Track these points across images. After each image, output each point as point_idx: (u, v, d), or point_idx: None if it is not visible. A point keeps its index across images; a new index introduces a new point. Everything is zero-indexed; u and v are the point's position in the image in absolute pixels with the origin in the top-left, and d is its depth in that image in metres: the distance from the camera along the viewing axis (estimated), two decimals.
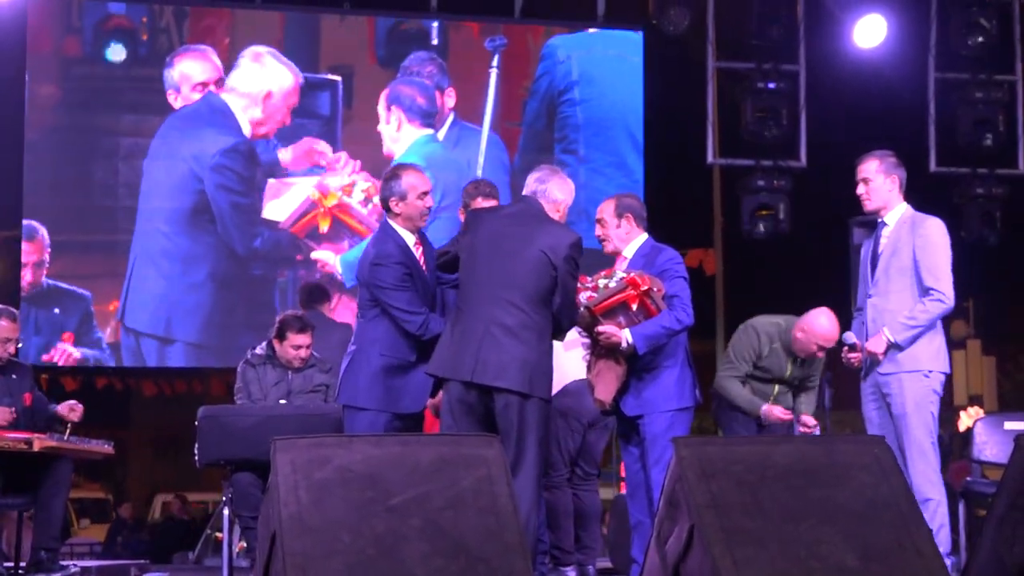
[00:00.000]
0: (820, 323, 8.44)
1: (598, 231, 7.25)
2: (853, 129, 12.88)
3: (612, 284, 6.80)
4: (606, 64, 13.65)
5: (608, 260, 7.25)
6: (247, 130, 12.75)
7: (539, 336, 6.57)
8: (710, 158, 13.59)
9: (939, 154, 13.38)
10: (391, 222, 7.06)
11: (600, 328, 6.82)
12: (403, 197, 7.02)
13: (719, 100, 13.46)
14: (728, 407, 8.50)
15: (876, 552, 5.15)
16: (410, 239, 7.03)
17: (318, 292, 10.60)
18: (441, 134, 13.19)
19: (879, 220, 7.41)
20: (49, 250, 12.49)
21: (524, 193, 6.93)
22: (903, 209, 7.37)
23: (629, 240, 7.18)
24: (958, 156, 13.43)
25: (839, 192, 12.48)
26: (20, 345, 8.58)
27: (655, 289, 6.81)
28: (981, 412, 17.52)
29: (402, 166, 7.27)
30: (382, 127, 13.02)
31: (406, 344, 6.95)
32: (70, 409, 8.32)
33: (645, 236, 7.20)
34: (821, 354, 8.52)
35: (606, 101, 13.62)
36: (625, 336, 6.82)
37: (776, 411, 8.42)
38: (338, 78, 13.09)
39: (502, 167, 13.22)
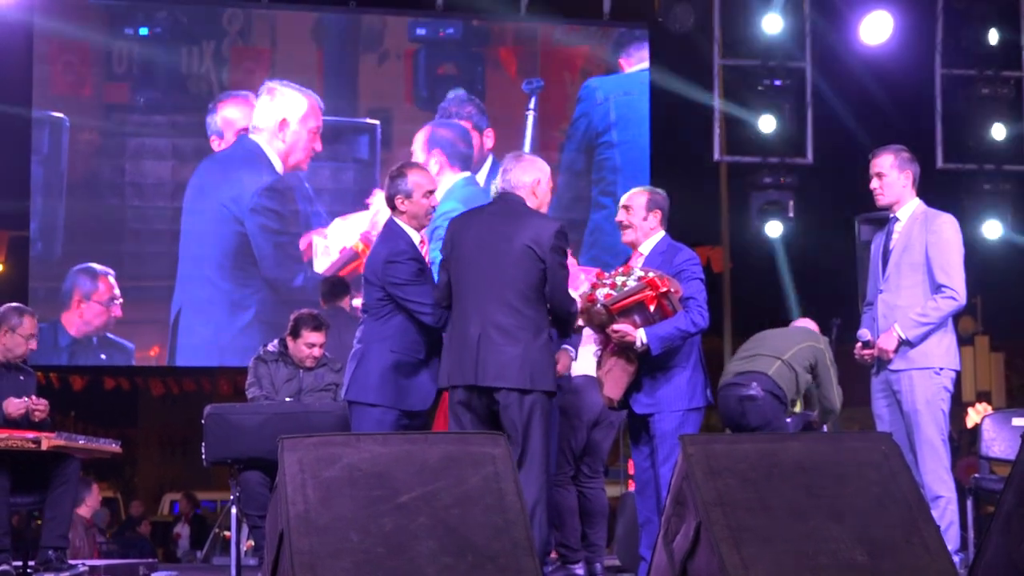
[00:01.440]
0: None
1: (622, 217, 7.21)
2: (860, 126, 12.88)
3: (631, 283, 6.78)
4: (643, 105, 13.66)
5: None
6: (279, 165, 12.82)
7: (535, 331, 6.57)
8: (716, 155, 13.59)
9: (946, 150, 13.36)
10: (397, 220, 7.07)
11: (615, 326, 6.80)
12: (408, 195, 7.03)
13: (725, 97, 13.44)
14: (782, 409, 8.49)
15: (884, 549, 5.15)
16: (415, 237, 7.05)
17: (340, 286, 10.58)
18: (481, 176, 13.19)
19: (891, 215, 7.38)
20: (120, 300, 12.62)
21: (499, 188, 6.88)
22: (915, 204, 7.35)
23: (649, 235, 7.18)
24: (965, 152, 13.41)
25: (846, 189, 12.49)
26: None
27: (672, 291, 6.81)
28: (989, 408, 17.49)
29: (408, 165, 7.29)
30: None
31: (417, 341, 6.96)
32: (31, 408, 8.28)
33: (663, 234, 7.21)
34: None
35: (644, 142, 13.64)
36: (640, 336, 6.80)
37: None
38: (376, 122, 13.14)
39: None
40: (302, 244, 12.93)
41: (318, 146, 12.95)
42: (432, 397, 7.03)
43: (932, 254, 7.16)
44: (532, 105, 13.42)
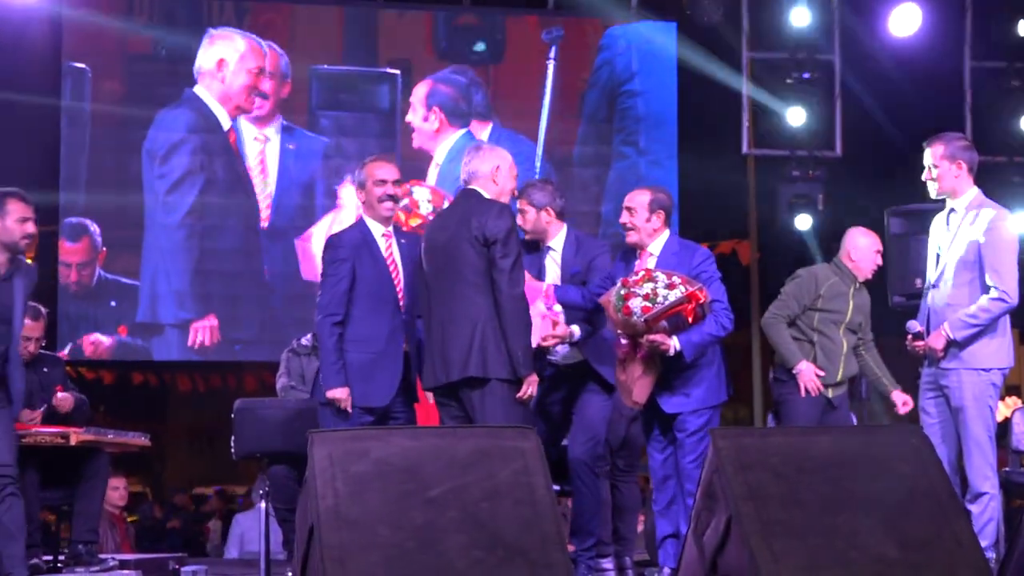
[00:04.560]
0: (864, 235, 8.49)
1: (626, 219, 7.21)
2: (889, 119, 12.82)
3: (671, 296, 6.77)
4: (666, 55, 13.57)
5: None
6: (219, 111, 12.65)
7: (487, 317, 6.57)
8: (745, 148, 13.55)
9: (976, 143, 13.25)
10: (363, 213, 7.17)
11: (651, 336, 6.83)
12: (362, 185, 7.10)
13: (753, 90, 13.39)
14: (792, 380, 8.30)
15: (915, 542, 5.13)
16: (377, 230, 7.09)
17: None
18: (484, 135, 13.13)
19: (948, 206, 7.31)
20: (104, 249, 12.51)
21: (461, 182, 6.94)
22: (972, 195, 7.25)
23: (655, 236, 7.19)
24: (995, 144, 13.33)
25: (875, 182, 12.42)
26: (44, 343, 8.54)
27: (707, 299, 6.87)
28: (1019, 402, 17.42)
29: (370, 159, 7.36)
30: (419, 124, 12.99)
31: (366, 335, 7.01)
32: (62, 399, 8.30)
33: (668, 233, 7.24)
34: (880, 261, 8.50)
35: (666, 92, 13.55)
36: (674, 344, 6.85)
37: (811, 371, 8.22)
38: (397, 72, 13.06)
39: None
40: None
41: (259, 85, 12.76)
42: (391, 392, 7.04)
43: (985, 252, 7.08)
44: (552, 54, 13.34)
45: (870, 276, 8.50)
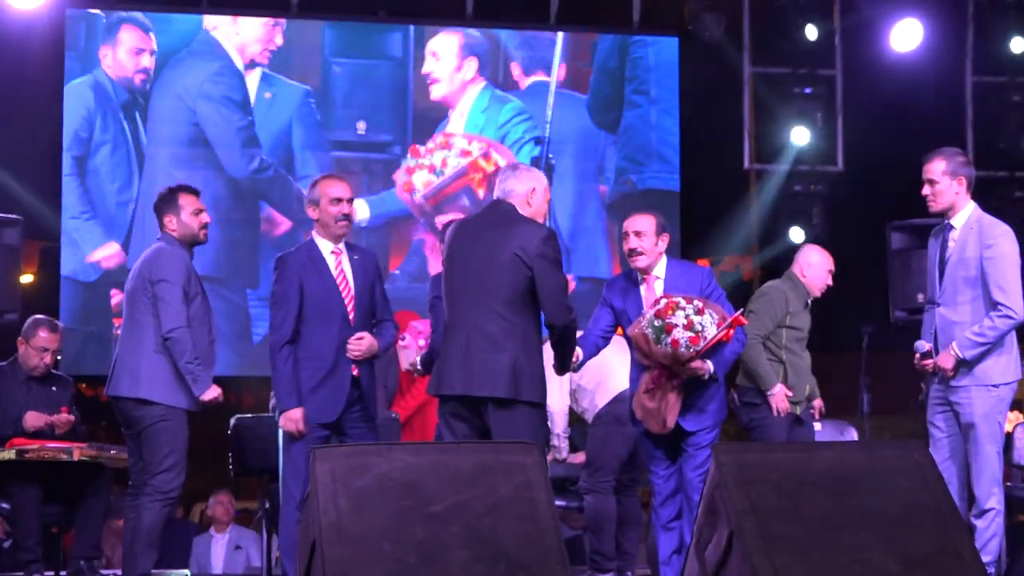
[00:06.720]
0: (818, 253, 8.70)
1: (635, 243, 7.23)
2: (890, 133, 12.82)
3: (707, 323, 6.84)
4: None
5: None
6: (236, 58, 12.57)
7: (524, 340, 6.51)
8: (747, 163, 13.55)
9: (977, 158, 13.29)
10: (313, 232, 7.18)
11: (694, 364, 6.91)
12: (316, 203, 7.11)
13: (755, 105, 13.40)
14: (765, 404, 8.33)
15: (917, 558, 5.13)
16: (326, 247, 7.11)
17: None
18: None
19: (946, 222, 7.31)
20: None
21: (494, 196, 6.88)
22: (970, 211, 7.25)
23: (659, 259, 7.24)
24: (997, 159, 13.34)
25: (876, 197, 12.42)
26: (59, 357, 8.56)
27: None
28: (1021, 417, 17.40)
29: (322, 176, 7.38)
30: (450, 72, 12.98)
31: (321, 354, 7.01)
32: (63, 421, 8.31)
33: (665, 256, 7.30)
34: (830, 281, 8.65)
35: (673, 46, 13.56)
36: (710, 367, 6.97)
37: (783, 393, 8.31)
38: (410, 23, 12.99)
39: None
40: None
41: (276, 39, 12.66)
42: (340, 407, 7.00)
43: (988, 269, 7.08)
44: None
45: (819, 295, 8.58)
